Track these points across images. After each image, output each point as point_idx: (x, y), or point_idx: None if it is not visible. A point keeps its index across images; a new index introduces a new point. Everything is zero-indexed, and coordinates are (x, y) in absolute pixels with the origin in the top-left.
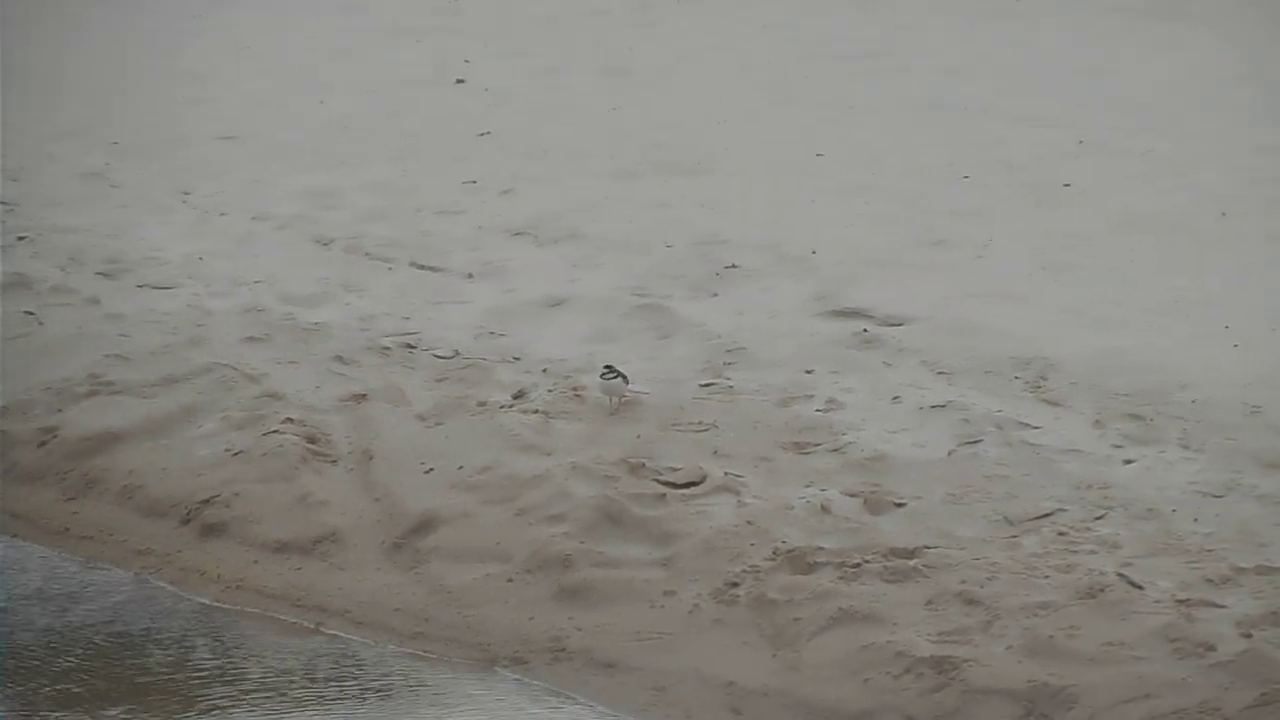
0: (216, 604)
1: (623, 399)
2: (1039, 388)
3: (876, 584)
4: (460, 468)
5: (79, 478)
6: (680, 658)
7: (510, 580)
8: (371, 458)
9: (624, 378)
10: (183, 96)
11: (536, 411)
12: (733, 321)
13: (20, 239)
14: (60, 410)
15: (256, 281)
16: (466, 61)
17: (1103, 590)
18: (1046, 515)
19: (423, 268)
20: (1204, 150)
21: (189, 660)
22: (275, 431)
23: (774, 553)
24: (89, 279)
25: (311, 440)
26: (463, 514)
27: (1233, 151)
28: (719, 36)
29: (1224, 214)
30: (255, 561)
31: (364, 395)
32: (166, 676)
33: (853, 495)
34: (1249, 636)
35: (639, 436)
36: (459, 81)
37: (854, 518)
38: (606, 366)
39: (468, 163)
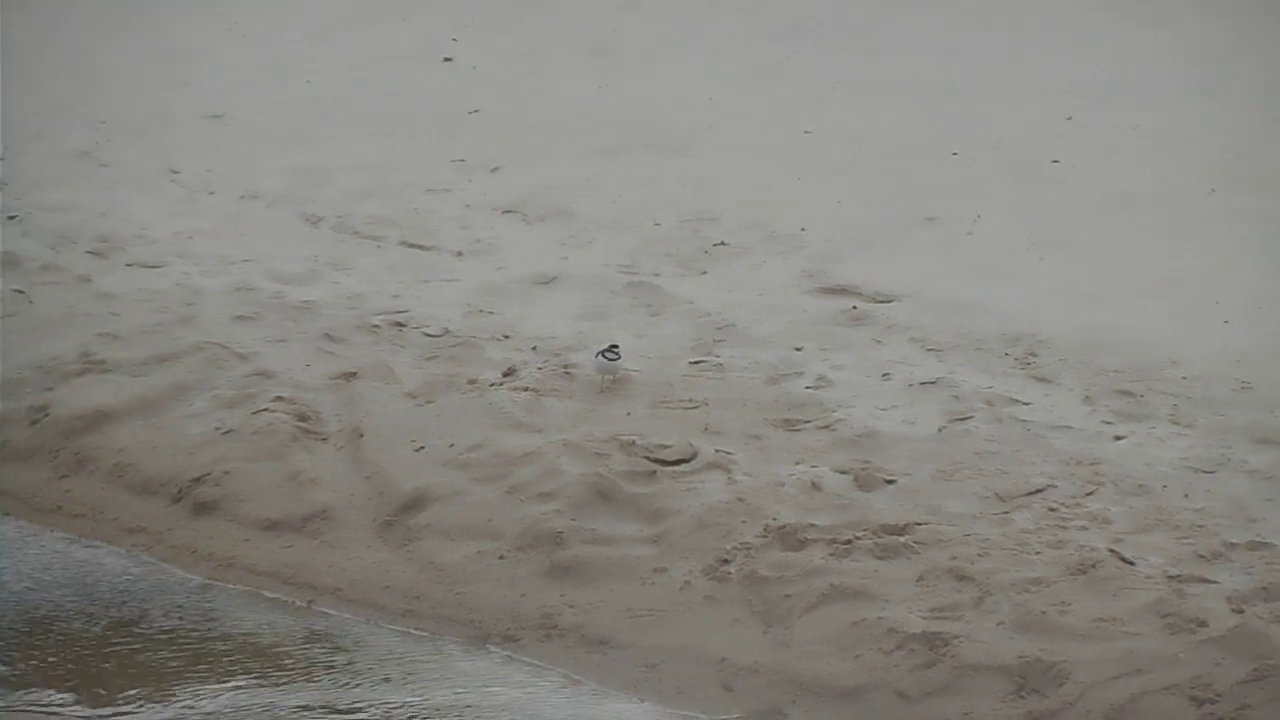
0: (208, 581)
1: (615, 377)
2: (1029, 364)
3: (867, 560)
4: (451, 445)
5: (70, 456)
6: (672, 634)
7: (501, 558)
8: (362, 435)
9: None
10: (170, 75)
11: (527, 389)
12: (722, 299)
13: (10, 218)
14: (51, 389)
15: (245, 260)
16: (454, 40)
17: (1094, 566)
18: (1037, 491)
19: (412, 246)
20: (1192, 127)
21: (179, 637)
22: (265, 410)
23: (765, 529)
24: (79, 257)
25: (302, 418)
26: (453, 492)
27: (1220, 128)
28: (702, 16)
29: (1213, 190)
30: (246, 539)
31: (354, 373)
32: (156, 654)
33: (843, 472)
34: (1240, 612)
35: (629, 414)
36: (446, 60)
37: (844, 494)
38: (612, 346)
39: (456, 141)
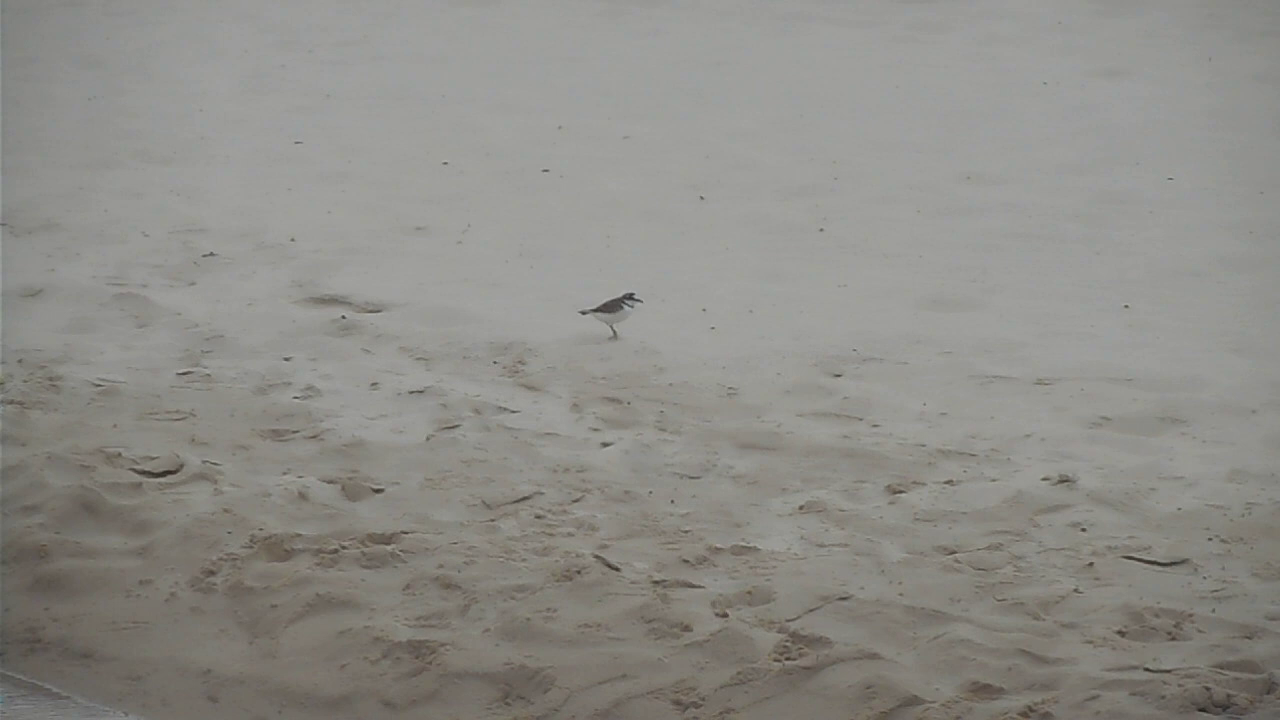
0: None
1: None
2: (517, 372)
3: (354, 570)
4: None
5: None
6: (157, 646)
7: None
8: None
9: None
10: None
11: (12, 402)
12: (211, 309)
13: None
14: None
15: None
16: None
17: (579, 572)
18: (524, 499)
19: None
20: (681, 135)
21: None
22: None
23: (251, 540)
24: None
25: None
26: None
27: (708, 137)
28: (192, 26)
29: (701, 198)
30: None
31: None
32: None
33: (331, 482)
34: (724, 616)
35: (115, 426)
36: None
37: (332, 504)
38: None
39: None
